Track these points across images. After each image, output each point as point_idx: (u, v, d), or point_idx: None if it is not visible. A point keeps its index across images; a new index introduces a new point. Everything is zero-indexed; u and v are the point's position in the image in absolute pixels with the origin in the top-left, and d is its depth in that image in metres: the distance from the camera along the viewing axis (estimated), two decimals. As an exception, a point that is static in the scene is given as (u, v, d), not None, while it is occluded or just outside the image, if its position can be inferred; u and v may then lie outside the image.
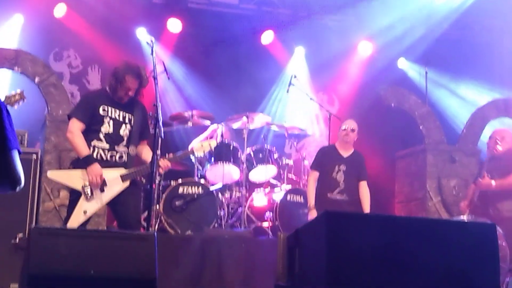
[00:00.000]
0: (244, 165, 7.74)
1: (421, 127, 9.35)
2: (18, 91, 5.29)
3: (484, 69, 9.98)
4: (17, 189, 3.40)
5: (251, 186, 8.02)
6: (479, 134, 9.06)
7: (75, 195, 5.59)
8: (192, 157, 7.87)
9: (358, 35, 9.97)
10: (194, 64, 9.61)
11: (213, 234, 6.86)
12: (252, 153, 7.84)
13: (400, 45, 9.78)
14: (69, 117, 5.72)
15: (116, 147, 5.68)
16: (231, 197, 7.80)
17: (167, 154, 6.01)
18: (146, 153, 5.90)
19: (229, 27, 9.32)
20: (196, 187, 7.37)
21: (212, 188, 7.45)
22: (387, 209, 9.53)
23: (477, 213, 6.92)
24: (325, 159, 7.13)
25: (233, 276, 6.38)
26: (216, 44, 9.52)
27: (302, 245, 3.46)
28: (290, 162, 8.21)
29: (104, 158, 5.64)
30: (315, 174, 7.10)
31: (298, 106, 9.55)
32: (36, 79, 7.97)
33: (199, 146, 6.29)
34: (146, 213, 7.01)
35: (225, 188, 7.80)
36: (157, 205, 7.21)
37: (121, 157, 5.70)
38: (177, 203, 7.27)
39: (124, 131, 5.73)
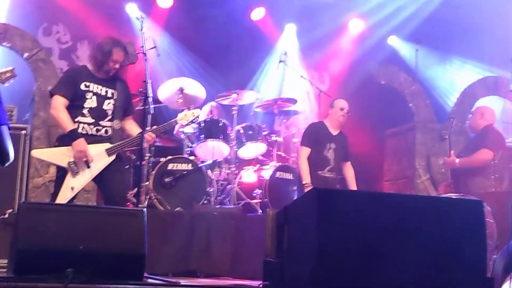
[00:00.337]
0: (234, 142, 7.74)
1: (410, 105, 9.38)
2: (9, 68, 5.23)
3: (474, 48, 9.98)
4: (6, 164, 3.39)
5: (241, 163, 8.03)
6: (469, 112, 9.09)
7: (61, 172, 5.57)
8: (182, 135, 7.86)
9: (349, 13, 9.93)
10: (184, 40, 9.56)
11: (203, 211, 6.87)
12: (241, 130, 7.84)
13: (391, 23, 9.76)
14: (52, 94, 5.70)
15: (100, 122, 5.67)
16: (220, 174, 7.81)
17: (153, 127, 5.99)
18: (131, 128, 5.89)
19: (220, 2, 9.27)
20: (185, 164, 7.38)
21: (201, 165, 7.46)
22: (376, 187, 9.58)
23: (451, 191, 6.96)
24: (317, 136, 7.15)
25: (222, 252, 6.40)
26: (207, 20, 9.46)
27: (291, 222, 3.47)
28: (280, 139, 8.22)
29: (90, 132, 5.62)
30: (307, 151, 7.10)
31: (289, 83, 9.53)
32: (25, 54, 7.92)
33: (183, 115, 6.26)
34: (135, 190, 7.03)
35: (215, 165, 7.81)
36: (147, 182, 7.22)
37: (106, 131, 5.69)
38: (166, 179, 7.27)
39: (108, 105, 5.71)
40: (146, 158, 7.32)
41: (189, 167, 7.37)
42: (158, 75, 9.12)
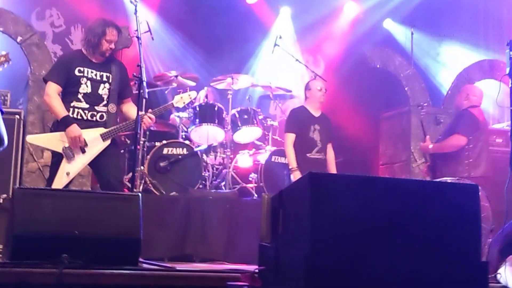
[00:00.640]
0: (229, 127, 7.73)
1: (406, 89, 9.37)
2: (3, 52, 5.19)
3: (469, 31, 9.96)
4: (0, 149, 3.38)
5: (236, 148, 8.02)
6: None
7: (56, 157, 5.56)
8: (176, 119, 7.85)
9: (345, -4, 9.90)
10: (178, 24, 9.51)
11: (198, 195, 6.88)
12: (237, 114, 7.83)
13: (386, 5, 9.73)
14: (45, 81, 5.67)
15: (96, 107, 5.64)
16: (215, 158, 7.81)
17: (149, 110, 5.96)
18: (130, 110, 5.84)
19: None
20: (180, 148, 7.37)
21: (196, 149, 7.45)
22: (371, 171, 9.58)
23: (428, 175, 6.94)
24: (300, 120, 7.12)
25: (218, 236, 6.42)
26: (201, 3, 9.42)
27: (286, 206, 3.47)
28: (275, 123, 8.22)
29: (85, 117, 5.60)
30: (291, 136, 7.09)
31: (284, 67, 9.51)
32: (18, 39, 7.88)
33: (179, 98, 6.24)
34: (130, 174, 7.02)
35: (210, 149, 7.81)
36: (142, 166, 7.21)
37: (101, 116, 5.66)
38: (161, 164, 7.27)
39: (103, 90, 5.68)
40: (141, 142, 7.31)
41: (184, 151, 7.36)
42: (152, 60, 9.10)
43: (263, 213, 3.67)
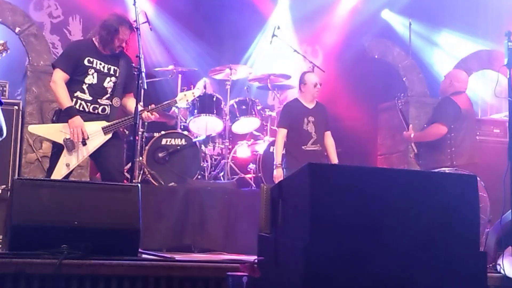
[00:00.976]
0: (227, 117, 7.73)
1: (404, 79, 9.36)
2: (1, 42, 5.17)
3: (468, 22, 9.94)
4: (-1, 139, 3.38)
5: (234, 138, 8.03)
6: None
7: (57, 148, 5.55)
8: (175, 109, 7.85)
9: (343, -14, 9.88)
10: (177, 14, 9.49)
11: (196, 186, 6.88)
12: (235, 105, 7.83)
13: (384, -4, 9.73)
14: (53, 67, 5.65)
15: (99, 100, 5.63)
16: (214, 149, 7.82)
17: (149, 106, 5.96)
18: (131, 105, 5.84)
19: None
20: (179, 139, 7.38)
21: (195, 139, 7.46)
22: (369, 161, 9.60)
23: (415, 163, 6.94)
24: (293, 115, 7.09)
25: (216, 227, 6.43)
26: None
27: (285, 196, 3.48)
28: (273, 113, 8.22)
29: (87, 110, 5.59)
30: (283, 132, 7.04)
31: (282, 57, 9.50)
32: (17, 29, 7.86)
33: (182, 95, 6.25)
34: (129, 165, 7.03)
35: (208, 140, 7.82)
36: (140, 157, 7.22)
37: (103, 109, 5.65)
38: (160, 154, 7.28)
39: (109, 83, 5.66)
40: (140, 133, 7.31)
41: (183, 142, 7.37)
42: (150, 50, 9.09)
43: (261, 204, 3.69)
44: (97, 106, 5.62)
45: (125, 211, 4.44)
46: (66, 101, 5.49)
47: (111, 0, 8.75)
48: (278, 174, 6.86)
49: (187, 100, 6.24)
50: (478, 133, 7.27)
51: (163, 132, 7.39)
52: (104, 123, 5.61)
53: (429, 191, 3.29)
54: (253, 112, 7.83)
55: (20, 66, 7.99)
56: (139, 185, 4.64)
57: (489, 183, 6.12)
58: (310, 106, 7.12)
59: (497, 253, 4.66)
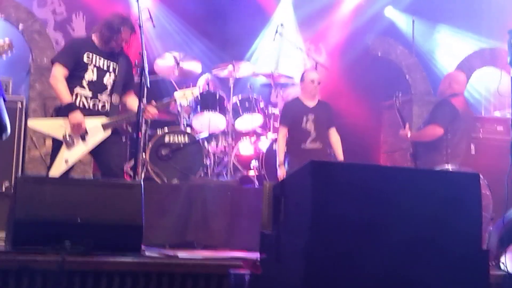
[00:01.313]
0: (230, 114, 7.73)
1: (407, 77, 9.36)
2: (7, 40, 5.16)
3: (471, 20, 9.93)
4: (4, 137, 3.38)
5: (237, 135, 8.02)
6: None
7: (56, 144, 5.55)
8: (178, 107, 7.85)
9: (346, -17, 9.88)
10: (180, 11, 9.49)
11: (199, 183, 6.88)
12: (238, 102, 7.83)
13: (388, -7, 9.72)
14: (53, 62, 5.65)
15: (99, 96, 5.64)
16: (217, 146, 7.82)
17: (152, 102, 5.96)
18: (131, 102, 5.86)
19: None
20: (182, 136, 7.37)
21: (198, 137, 7.46)
22: (372, 159, 9.59)
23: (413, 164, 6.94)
24: (292, 113, 7.10)
25: (219, 224, 6.43)
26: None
27: (288, 194, 3.49)
28: (276, 111, 8.21)
29: (87, 106, 5.59)
30: (283, 130, 7.08)
31: (285, 55, 9.49)
32: (20, 26, 7.87)
33: (181, 94, 6.25)
34: (132, 162, 7.03)
35: (211, 137, 7.81)
36: (143, 154, 7.22)
37: (103, 106, 5.66)
38: (163, 152, 7.28)
39: (108, 79, 5.67)
40: (143, 130, 7.31)
41: (186, 139, 7.37)
42: (153, 47, 9.08)
43: (264, 201, 3.69)
44: (97, 101, 5.62)
45: (128, 207, 4.46)
46: (66, 96, 5.50)
47: (115, -3, 8.77)
48: (282, 174, 6.89)
49: (187, 99, 6.25)
50: (480, 131, 7.29)
51: (166, 130, 7.39)
52: (104, 120, 5.61)
53: (431, 189, 3.29)
54: (256, 109, 7.84)
55: (24, 63, 7.99)
56: (141, 182, 4.65)
57: (492, 181, 6.13)
58: (311, 104, 7.12)
59: (500, 251, 4.66)
